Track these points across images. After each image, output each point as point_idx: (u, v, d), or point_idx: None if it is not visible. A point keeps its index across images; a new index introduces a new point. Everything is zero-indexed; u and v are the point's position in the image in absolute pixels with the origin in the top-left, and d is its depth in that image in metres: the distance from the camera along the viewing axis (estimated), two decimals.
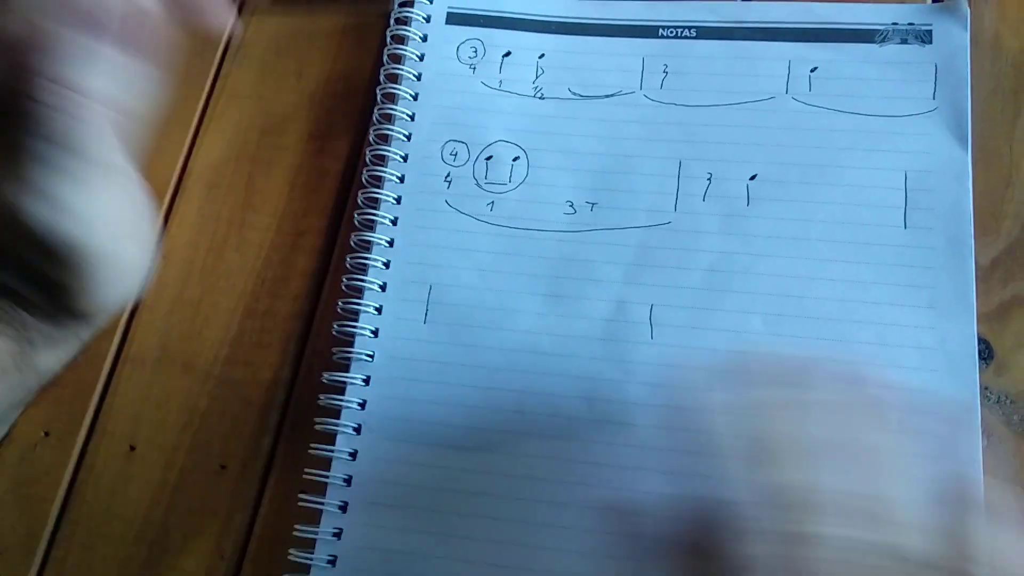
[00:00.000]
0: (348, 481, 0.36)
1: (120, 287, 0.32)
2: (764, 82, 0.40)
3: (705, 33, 0.41)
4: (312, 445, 0.37)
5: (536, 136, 0.41)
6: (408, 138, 0.41)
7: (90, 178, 0.30)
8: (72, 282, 0.31)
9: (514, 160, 0.40)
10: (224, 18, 0.31)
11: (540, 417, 0.36)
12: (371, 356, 0.38)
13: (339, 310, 0.39)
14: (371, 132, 0.41)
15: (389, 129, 0.41)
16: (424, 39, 0.43)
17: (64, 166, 0.29)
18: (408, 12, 0.43)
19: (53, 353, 0.34)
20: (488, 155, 0.41)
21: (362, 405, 0.37)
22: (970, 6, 0.39)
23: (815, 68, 0.39)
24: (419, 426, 0.37)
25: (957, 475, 0.27)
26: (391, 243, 0.39)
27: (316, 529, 0.36)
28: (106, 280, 0.31)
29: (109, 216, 0.31)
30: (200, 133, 0.44)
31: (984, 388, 0.35)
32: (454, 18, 0.43)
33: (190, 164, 0.44)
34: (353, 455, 0.36)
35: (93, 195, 0.30)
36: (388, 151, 0.41)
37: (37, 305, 0.31)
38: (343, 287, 0.39)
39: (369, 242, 0.39)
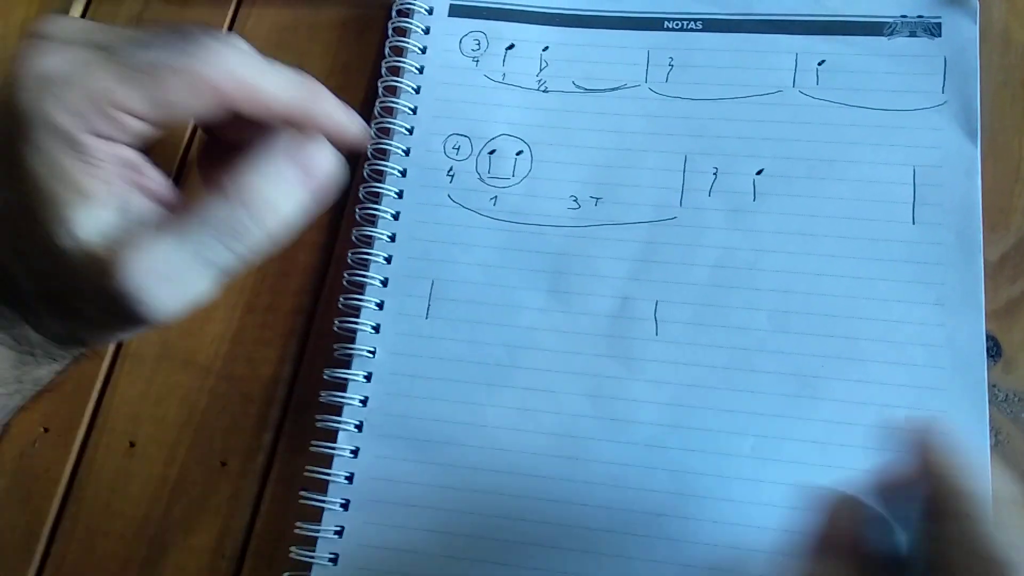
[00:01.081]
0: (350, 478, 0.36)
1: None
2: (771, 75, 0.39)
3: (711, 25, 0.40)
4: (313, 442, 0.36)
5: (540, 130, 0.40)
6: (410, 132, 0.41)
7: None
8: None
9: (517, 154, 0.40)
10: (356, 132, 0.34)
11: (543, 414, 0.36)
12: (372, 352, 0.37)
13: (340, 306, 0.38)
14: (372, 125, 0.41)
15: (391, 122, 0.40)
16: (427, 31, 0.42)
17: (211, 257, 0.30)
18: (410, 4, 0.42)
19: (52, 367, 0.34)
20: (491, 149, 0.40)
21: (364, 402, 0.37)
22: None
23: (823, 61, 0.39)
24: (421, 423, 0.36)
25: None
26: (393, 238, 0.39)
27: (317, 527, 0.35)
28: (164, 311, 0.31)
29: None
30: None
31: (992, 386, 0.34)
32: (457, 10, 0.43)
33: (190, 157, 0.43)
34: (355, 452, 0.36)
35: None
36: (390, 145, 0.40)
37: (87, 317, 0.31)
38: (344, 282, 0.38)
39: (371, 237, 0.39)
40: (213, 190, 0.30)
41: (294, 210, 0.31)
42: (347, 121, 0.34)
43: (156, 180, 0.32)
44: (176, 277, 0.30)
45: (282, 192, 0.31)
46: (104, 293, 0.30)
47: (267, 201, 0.31)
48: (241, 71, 0.31)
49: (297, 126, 0.33)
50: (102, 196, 0.30)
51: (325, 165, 0.33)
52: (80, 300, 0.31)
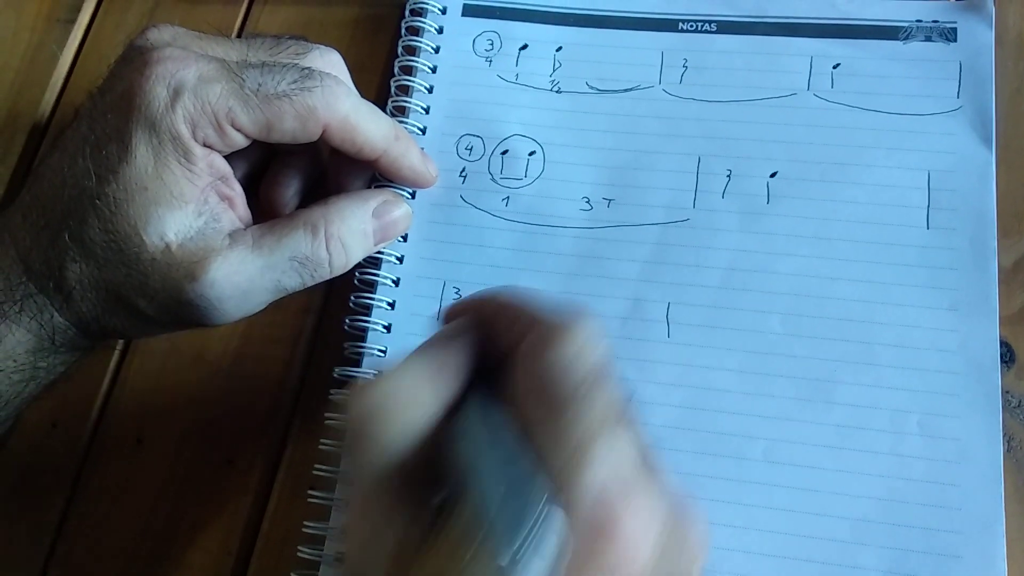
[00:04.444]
0: None
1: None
2: (785, 78, 0.39)
3: (725, 28, 0.40)
4: (322, 441, 0.36)
5: (553, 130, 0.40)
6: (423, 132, 0.41)
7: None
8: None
9: (530, 155, 0.40)
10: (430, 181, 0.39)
11: None
12: (383, 351, 0.37)
13: (351, 305, 0.38)
14: None
15: (403, 122, 0.40)
16: (440, 31, 0.42)
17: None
18: (424, 3, 0.42)
19: (67, 356, 0.34)
20: (504, 149, 0.40)
21: None
22: (995, 4, 0.39)
23: (837, 65, 0.39)
24: None
25: None
26: (405, 238, 0.39)
27: (325, 525, 0.35)
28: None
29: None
30: None
31: (1005, 392, 0.34)
32: (470, 10, 0.43)
33: None
34: None
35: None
36: None
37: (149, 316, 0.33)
38: (355, 282, 0.38)
39: None
40: (295, 219, 0.34)
41: (362, 256, 0.36)
42: (424, 172, 0.38)
43: (238, 193, 0.34)
44: (250, 291, 0.33)
45: (360, 244, 0.35)
46: (175, 294, 0.32)
47: (347, 248, 0.35)
48: (348, 114, 0.34)
49: (380, 169, 0.37)
50: (194, 201, 0.32)
51: (402, 226, 0.37)
52: (143, 297, 0.32)
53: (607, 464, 0.23)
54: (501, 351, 0.28)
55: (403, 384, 0.26)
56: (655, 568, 0.24)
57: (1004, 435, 0.33)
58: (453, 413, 0.26)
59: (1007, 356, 0.35)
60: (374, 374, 0.27)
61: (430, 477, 0.25)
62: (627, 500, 0.23)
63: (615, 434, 0.24)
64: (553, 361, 0.25)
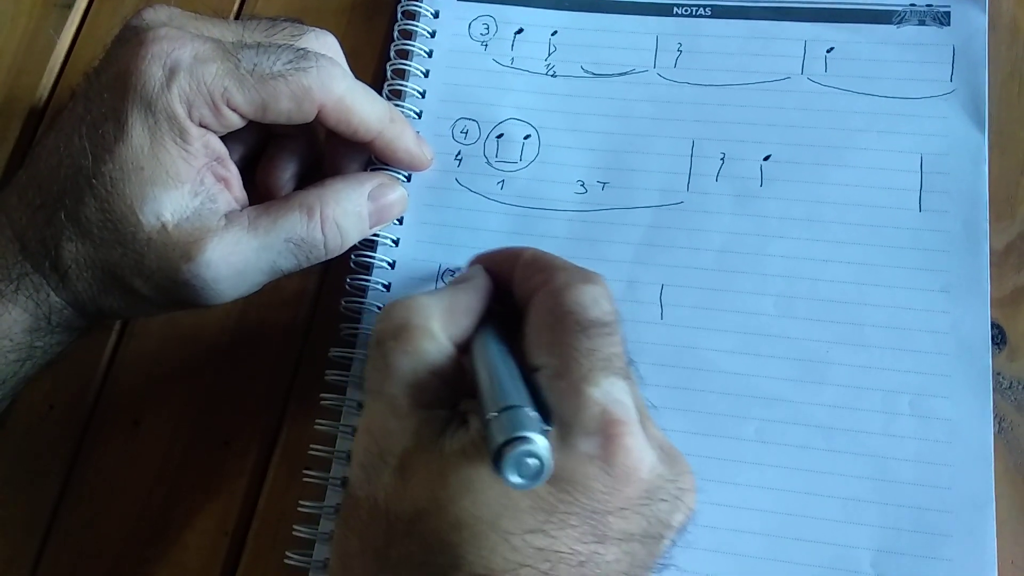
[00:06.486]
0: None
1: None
2: (779, 62, 0.39)
3: (720, 12, 0.41)
4: (317, 421, 0.36)
5: (547, 114, 0.40)
6: (419, 115, 0.41)
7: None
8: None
9: (525, 138, 0.40)
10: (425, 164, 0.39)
11: None
12: None
13: (347, 286, 0.38)
14: None
15: (399, 106, 0.40)
16: (436, 15, 0.42)
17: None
18: None
19: (63, 336, 0.34)
20: (499, 133, 0.40)
21: None
22: None
23: (831, 49, 0.39)
24: None
25: None
26: (400, 221, 0.39)
27: (320, 505, 0.35)
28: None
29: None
30: None
31: (997, 373, 0.34)
32: None
33: None
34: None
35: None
36: None
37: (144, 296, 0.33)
38: (351, 264, 0.39)
39: None
40: (291, 201, 0.34)
41: (358, 239, 0.36)
42: (419, 154, 0.38)
43: (234, 174, 0.34)
44: (246, 272, 0.33)
45: (356, 226, 0.36)
46: (171, 274, 0.32)
47: (343, 230, 0.35)
48: (343, 94, 0.34)
49: (375, 151, 0.37)
50: (190, 182, 0.32)
51: (397, 209, 0.38)
52: (139, 276, 0.32)
53: (615, 387, 0.27)
54: (515, 299, 0.31)
55: (430, 303, 0.29)
56: (654, 489, 0.26)
57: (995, 416, 0.34)
58: (467, 346, 0.30)
59: (998, 338, 0.35)
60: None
61: (445, 390, 0.28)
62: (630, 420, 0.26)
63: (621, 375, 0.27)
64: (574, 300, 0.28)
